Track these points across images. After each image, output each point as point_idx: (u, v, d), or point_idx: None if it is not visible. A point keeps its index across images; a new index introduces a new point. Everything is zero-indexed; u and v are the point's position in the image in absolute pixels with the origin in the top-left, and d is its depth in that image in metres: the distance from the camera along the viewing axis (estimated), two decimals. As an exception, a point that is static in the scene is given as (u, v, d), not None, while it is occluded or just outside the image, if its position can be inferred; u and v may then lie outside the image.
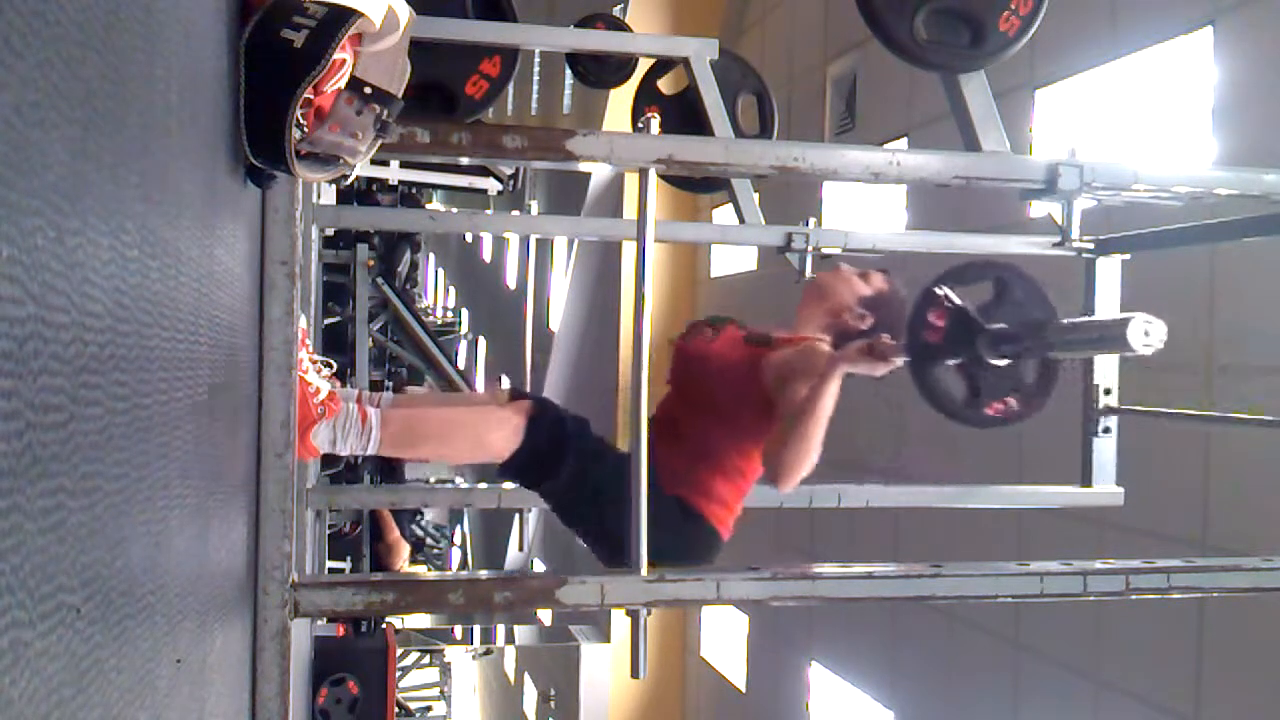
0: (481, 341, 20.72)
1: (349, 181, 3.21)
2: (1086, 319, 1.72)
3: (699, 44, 3.10)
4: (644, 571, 1.65)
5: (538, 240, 14.91)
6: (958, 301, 1.78)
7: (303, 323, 1.92)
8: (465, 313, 22.49)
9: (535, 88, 13.64)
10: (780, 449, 1.95)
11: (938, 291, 1.79)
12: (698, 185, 3.86)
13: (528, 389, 14.16)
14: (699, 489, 2.11)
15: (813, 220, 3.20)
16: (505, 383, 17.10)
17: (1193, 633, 4.26)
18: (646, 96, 3.41)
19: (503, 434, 2.02)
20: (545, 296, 15.39)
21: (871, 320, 2.22)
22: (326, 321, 7.91)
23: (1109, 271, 2.76)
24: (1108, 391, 2.77)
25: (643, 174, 1.67)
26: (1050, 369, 1.86)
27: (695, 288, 11.23)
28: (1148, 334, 1.53)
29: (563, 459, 2.04)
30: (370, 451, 2.03)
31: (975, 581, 1.75)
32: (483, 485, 3.02)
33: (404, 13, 1.38)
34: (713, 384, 2.18)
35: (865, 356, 1.93)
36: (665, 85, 3.44)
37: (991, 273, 1.85)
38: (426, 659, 12.76)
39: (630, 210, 10.06)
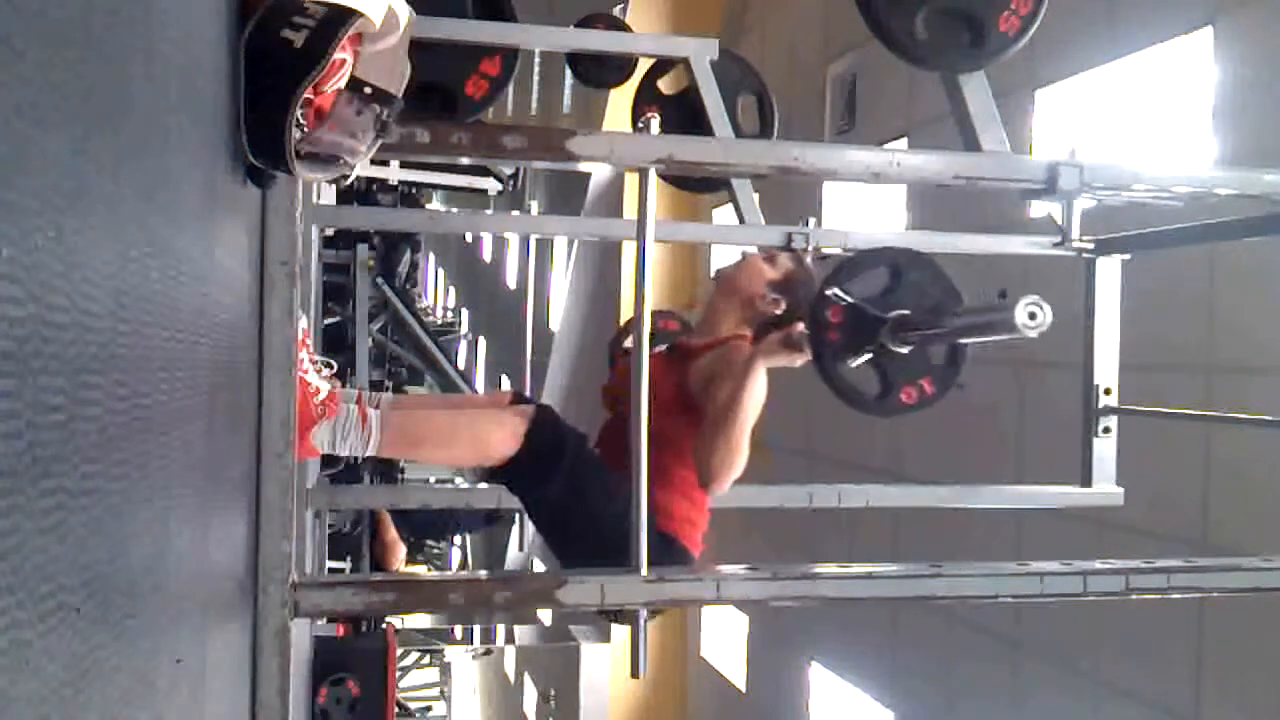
0: (481, 341, 20.71)
1: (349, 181, 3.21)
2: (979, 304, 1.71)
3: (699, 44, 3.10)
4: (644, 571, 1.65)
5: (538, 240, 14.91)
6: (848, 299, 1.77)
7: (303, 323, 1.92)
8: (465, 313, 22.49)
9: (535, 88, 13.63)
10: (707, 452, 1.94)
11: (827, 293, 1.79)
12: (698, 185, 3.86)
13: (528, 389, 14.17)
14: (663, 513, 2.07)
15: (813, 220, 3.20)
16: (505, 384, 17.10)
17: (1193, 633, 4.26)
18: (646, 96, 3.41)
19: (502, 437, 2.02)
20: (545, 296, 15.39)
21: (785, 303, 2.21)
22: (326, 321, 7.91)
23: (1109, 271, 2.76)
24: (1108, 391, 2.77)
25: (643, 174, 1.67)
26: (959, 347, 1.85)
27: (695, 288, 11.23)
28: (1034, 316, 1.53)
29: (557, 470, 2.02)
30: (370, 452, 2.03)
31: (975, 581, 1.75)
32: (483, 485, 3.02)
33: (404, 13, 1.38)
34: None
35: (782, 349, 1.92)
36: (665, 85, 3.44)
37: (884, 260, 1.84)
38: (426, 659, 12.75)
39: (630, 210, 10.06)
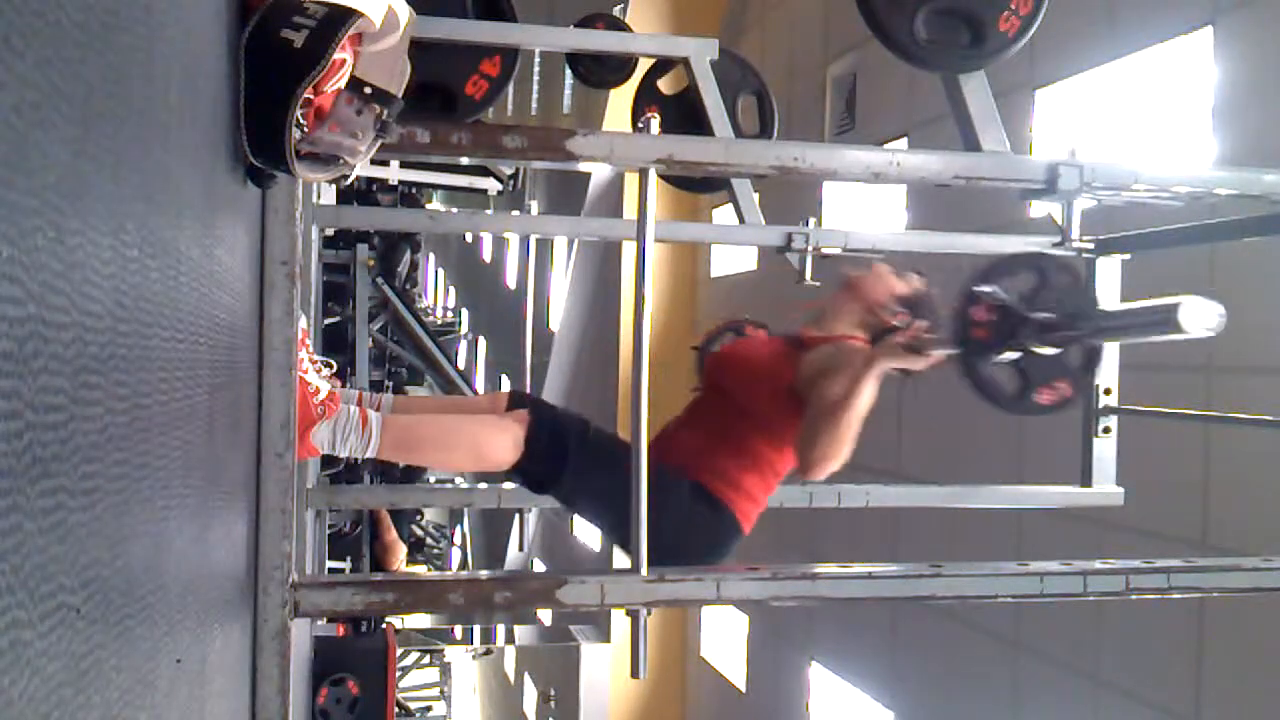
0: (481, 341, 20.72)
1: (349, 181, 3.21)
2: (1137, 304, 1.72)
3: (699, 44, 3.10)
4: (644, 571, 1.65)
5: (538, 240, 14.92)
6: (1002, 297, 1.79)
7: (303, 323, 1.92)
8: (465, 313, 22.50)
9: (535, 88, 13.63)
10: (813, 441, 1.96)
11: (980, 289, 1.80)
12: (698, 185, 3.85)
13: (528, 388, 14.16)
14: (726, 479, 2.13)
15: (813, 220, 3.20)
16: (505, 384, 17.10)
17: (1193, 633, 4.26)
18: (646, 96, 3.41)
19: (501, 446, 2.03)
20: (545, 296, 15.39)
21: (906, 317, 2.24)
22: (326, 321, 7.91)
23: (1109, 271, 2.76)
24: (1108, 391, 2.77)
25: (643, 174, 1.67)
26: (1095, 351, 1.87)
27: (695, 288, 11.23)
28: (1203, 317, 1.51)
29: (563, 470, 2.05)
30: (369, 454, 2.04)
31: (975, 581, 1.75)
32: (483, 485, 3.02)
33: (404, 13, 1.38)
34: (748, 383, 2.21)
35: (904, 350, 1.94)
36: (665, 85, 3.44)
37: (1027, 264, 1.85)
38: (426, 659, 12.76)
39: (630, 210, 10.06)
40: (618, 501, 2.00)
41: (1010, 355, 1.81)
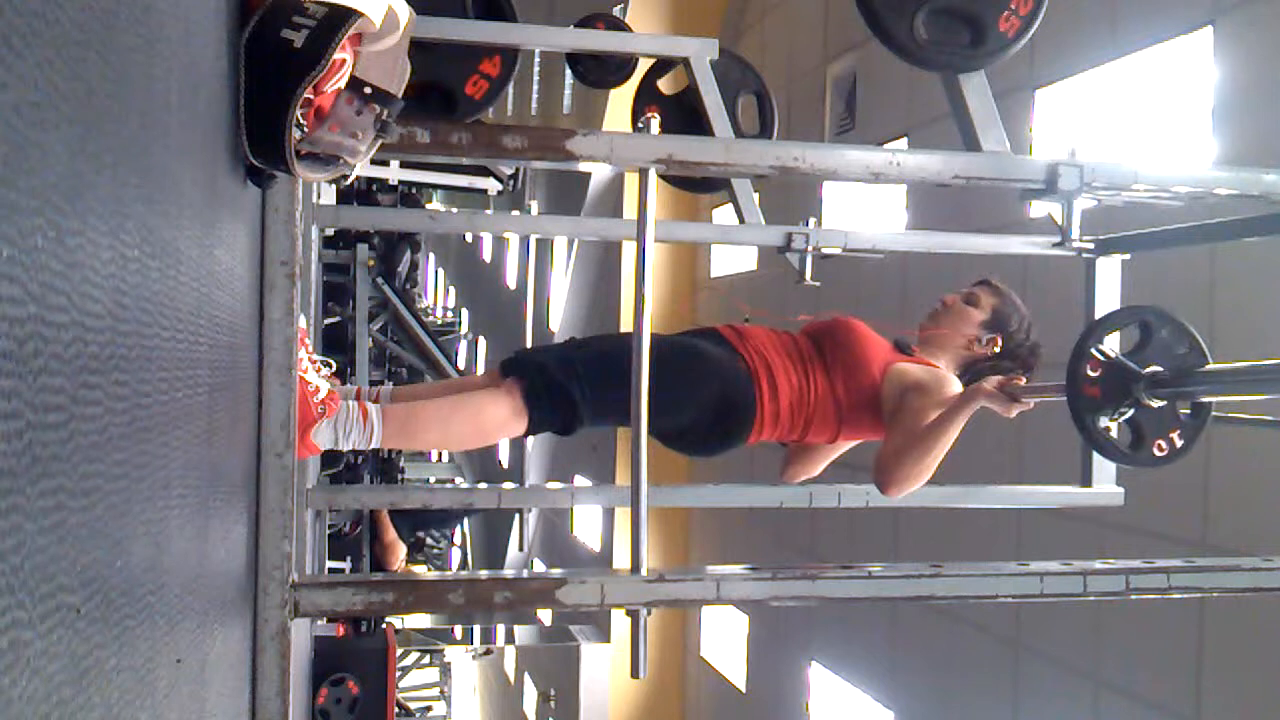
0: (481, 341, 20.72)
1: (349, 181, 3.21)
2: (1249, 364, 1.77)
3: (699, 44, 3.09)
4: (644, 571, 1.65)
5: (538, 240, 14.91)
6: (1112, 354, 1.81)
7: (302, 322, 1.92)
8: (465, 313, 22.50)
9: (535, 88, 13.63)
10: (898, 461, 2.02)
11: (1090, 349, 1.83)
12: (698, 185, 3.85)
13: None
14: (770, 383, 2.19)
15: (813, 220, 3.20)
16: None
17: (1193, 633, 4.26)
18: (646, 96, 3.40)
19: (502, 415, 2.05)
20: (545, 296, 15.39)
21: (999, 340, 2.26)
22: (326, 321, 7.92)
23: (1109, 271, 2.76)
24: (1108, 391, 2.77)
25: (643, 174, 1.67)
26: (1204, 403, 1.90)
27: (695, 288, 11.23)
28: None
29: (575, 415, 2.10)
30: (374, 445, 2.04)
31: (975, 581, 1.75)
32: (483, 485, 3.02)
33: (404, 13, 1.38)
34: (845, 360, 2.24)
35: (1000, 395, 1.97)
36: (665, 85, 3.43)
37: (1136, 317, 1.88)
38: (426, 659, 12.77)
39: (630, 210, 10.06)
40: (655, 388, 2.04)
41: (1124, 413, 1.83)
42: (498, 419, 2.05)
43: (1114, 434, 1.87)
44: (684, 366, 2.18)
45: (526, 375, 2.11)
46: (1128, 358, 1.83)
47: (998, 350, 2.27)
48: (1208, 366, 1.82)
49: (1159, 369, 1.81)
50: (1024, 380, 2.05)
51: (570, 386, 2.07)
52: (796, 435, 2.27)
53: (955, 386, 2.16)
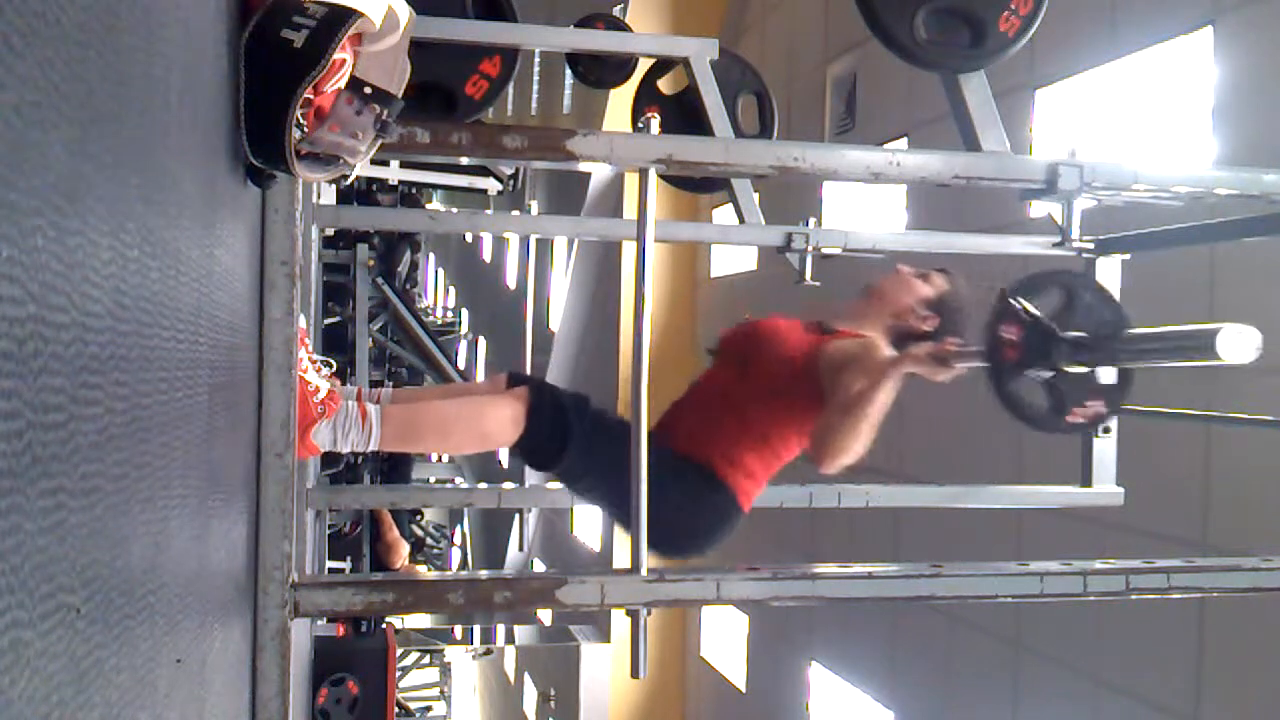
0: (481, 341, 20.71)
1: (349, 181, 3.21)
2: (1170, 328, 1.73)
3: (699, 44, 3.09)
4: (644, 571, 1.65)
5: (538, 240, 14.91)
6: (1034, 313, 1.79)
7: (302, 322, 1.92)
8: (465, 313, 22.49)
9: (535, 88, 13.63)
10: (832, 432, 1.97)
11: (1013, 303, 1.80)
12: (698, 185, 3.86)
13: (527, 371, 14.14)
14: (730, 458, 2.13)
15: (813, 220, 3.20)
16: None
17: (1193, 633, 4.26)
18: (646, 96, 3.41)
19: (503, 424, 2.03)
20: (545, 296, 15.39)
21: (935, 321, 2.24)
22: (326, 321, 7.92)
23: (1109, 271, 2.76)
24: (1108, 391, 2.77)
25: (643, 174, 1.67)
26: (1128, 368, 1.87)
27: (695, 288, 11.23)
28: (1242, 345, 1.50)
29: (566, 446, 2.05)
30: (372, 448, 2.04)
31: (975, 581, 1.75)
32: (483, 485, 3.02)
33: (404, 13, 1.38)
34: (767, 361, 2.20)
35: (929, 360, 1.94)
36: (665, 85, 3.44)
37: (1059, 281, 1.86)
38: (426, 659, 12.77)
39: (630, 210, 10.06)
40: (621, 478, 2.01)
41: (1041, 374, 1.81)
42: (498, 424, 2.03)
43: (1035, 399, 1.83)
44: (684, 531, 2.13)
45: (535, 388, 2.10)
46: (1051, 321, 1.79)
47: (929, 329, 2.25)
48: (1130, 331, 1.78)
49: (1081, 334, 1.78)
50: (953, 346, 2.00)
51: (571, 418, 2.06)
52: (779, 455, 2.25)
53: (886, 352, 2.12)
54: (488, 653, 14.20)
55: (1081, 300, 1.81)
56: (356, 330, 7.92)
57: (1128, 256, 2.76)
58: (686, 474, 2.10)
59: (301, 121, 1.26)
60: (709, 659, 10.43)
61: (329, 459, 6.32)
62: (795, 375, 2.14)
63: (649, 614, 1.67)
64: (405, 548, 8.29)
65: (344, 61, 1.27)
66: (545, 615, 11.91)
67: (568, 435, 2.04)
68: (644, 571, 1.65)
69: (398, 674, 8.60)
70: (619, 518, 2.15)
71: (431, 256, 24.80)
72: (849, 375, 2.02)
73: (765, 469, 2.19)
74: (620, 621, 9.69)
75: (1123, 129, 5.17)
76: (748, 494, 2.17)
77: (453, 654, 13.14)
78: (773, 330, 2.29)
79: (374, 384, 8.29)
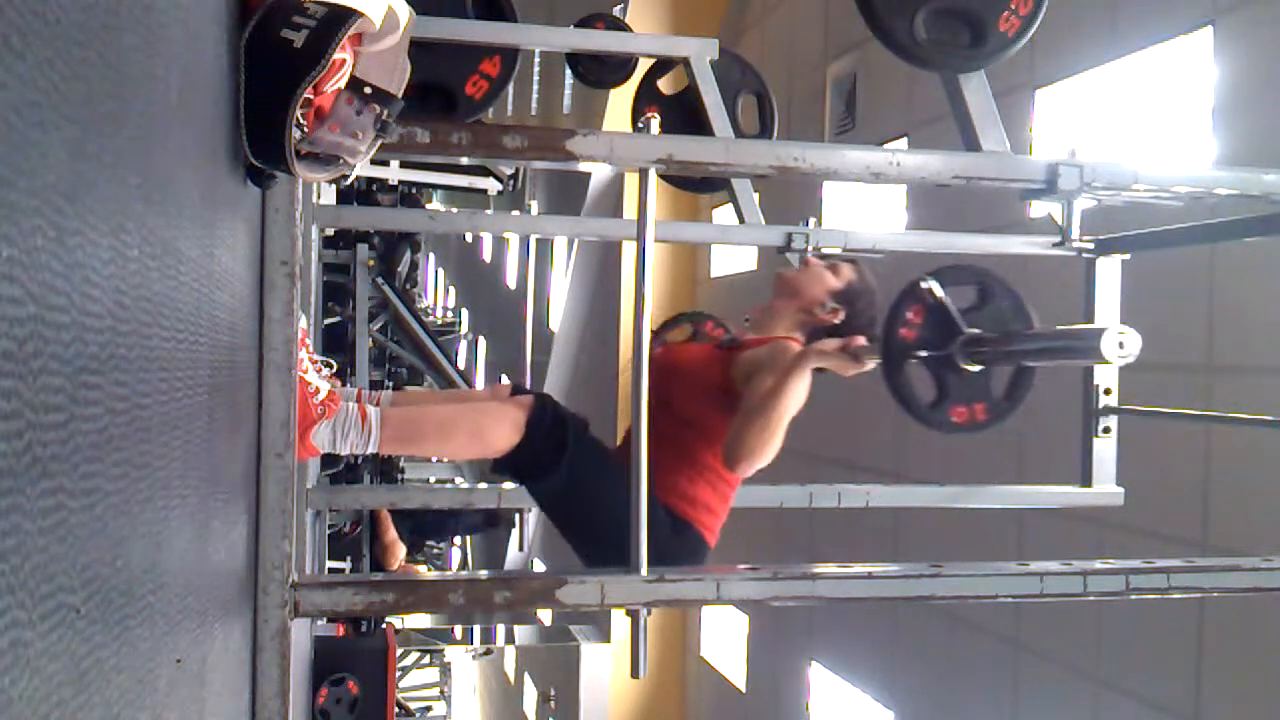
0: (481, 341, 20.71)
1: (349, 181, 3.21)
2: (1060, 328, 1.73)
3: (699, 44, 3.09)
4: (644, 571, 1.65)
5: (538, 240, 14.91)
6: (941, 297, 1.78)
7: (303, 323, 1.92)
8: (465, 313, 22.49)
9: (535, 88, 13.64)
10: (739, 435, 1.96)
11: (924, 285, 1.79)
12: (698, 185, 3.85)
13: (528, 386, 14.14)
14: (684, 496, 2.11)
15: (813, 220, 3.20)
16: (505, 380, 17.08)
17: (1193, 633, 4.26)
18: (646, 96, 3.41)
19: (503, 429, 2.02)
20: (545, 296, 15.39)
21: (844, 314, 2.23)
22: (326, 321, 7.92)
23: (1109, 271, 2.76)
24: (1108, 391, 2.77)
25: (643, 174, 1.67)
26: (1022, 382, 1.86)
27: (695, 288, 11.22)
28: (1122, 345, 1.52)
29: (560, 460, 2.03)
30: (371, 450, 2.03)
31: (975, 581, 1.75)
32: (483, 485, 3.02)
33: (404, 13, 1.38)
34: (686, 389, 2.19)
35: (836, 353, 1.93)
36: (665, 85, 3.43)
37: (976, 277, 1.85)
38: (426, 659, 12.76)
39: (630, 210, 10.06)
40: (596, 513, 2.00)
41: (926, 357, 1.79)
42: (498, 429, 2.02)
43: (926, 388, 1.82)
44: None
45: (542, 402, 2.10)
46: (958, 314, 1.79)
47: (837, 322, 2.24)
48: (1026, 331, 1.78)
49: (980, 331, 1.77)
50: (860, 341, 1.98)
51: (569, 433, 2.05)
52: (728, 481, 2.18)
53: (792, 351, 2.11)
54: (488, 653, 14.19)
55: (994, 301, 1.80)
56: (356, 330, 7.91)
57: (1128, 256, 2.76)
58: (653, 515, 2.08)
59: (301, 121, 1.26)
60: (709, 659, 10.43)
61: (329, 459, 6.32)
62: (716, 399, 2.13)
63: (649, 614, 1.67)
64: (402, 550, 8.29)
65: (344, 61, 1.27)
66: (545, 615, 11.91)
67: (562, 451, 2.03)
68: (644, 571, 1.65)
69: (398, 674, 8.60)
70: (581, 551, 2.14)
71: (431, 256, 24.80)
72: (757, 380, 2.02)
73: (720, 499, 2.18)
74: (620, 621, 9.70)
75: (1123, 129, 5.17)
76: (711, 529, 2.17)
77: (453, 654, 13.14)
78: (684, 360, 2.30)
79: (374, 384, 8.29)
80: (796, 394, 1.94)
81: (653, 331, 3.13)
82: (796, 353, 2.00)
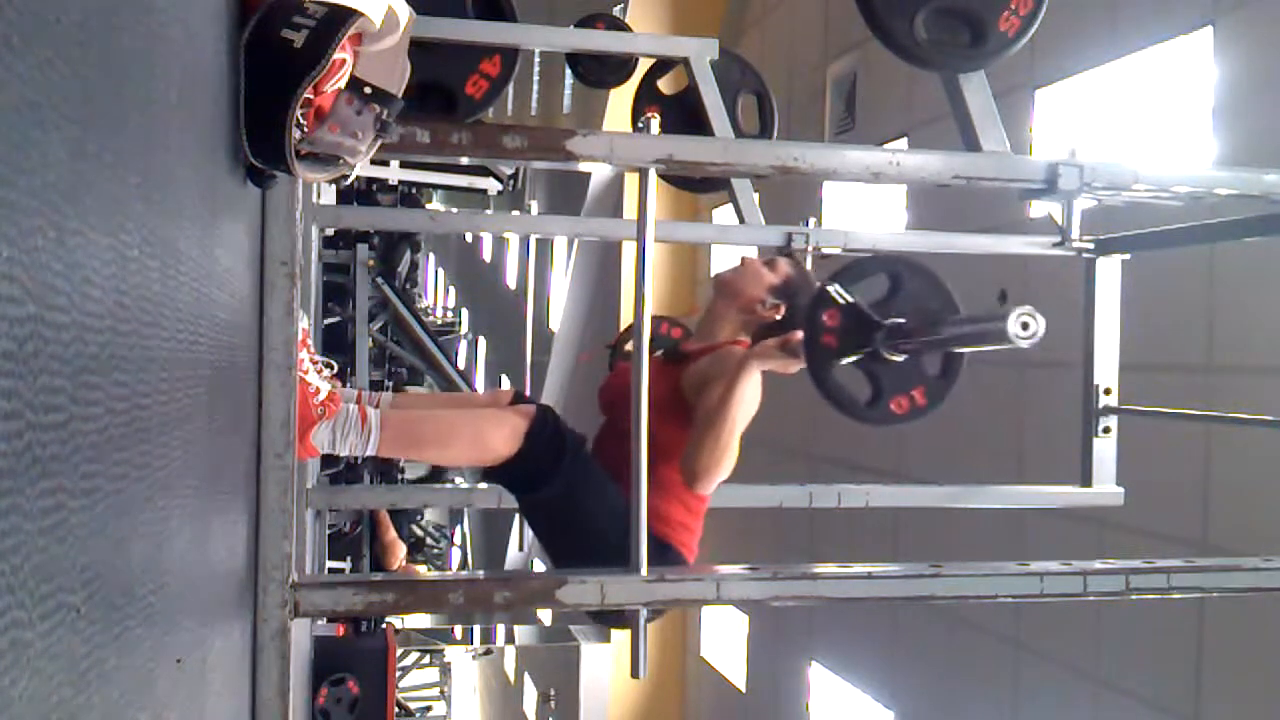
0: (481, 341, 20.71)
1: (349, 181, 3.21)
2: (972, 313, 1.73)
3: (699, 44, 3.09)
4: (644, 571, 1.65)
5: (538, 240, 14.91)
6: (849, 299, 1.77)
7: (304, 323, 1.92)
8: (465, 313, 22.49)
9: (535, 88, 13.64)
10: (695, 452, 1.95)
11: (829, 290, 1.79)
12: (698, 185, 3.85)
13: (527, 389, 14.13)
14: (657, 517, 2.07)
15: (813, 220, 3.20)
16: (505, 383, 17.10)
17: (1193, 633, 4.26)
18: (646, 96, 3.40)
19: (502, 437, 2.01)
20: (545, 296, 15.39)
21: (784, 309, 2.22)
22: (326, 321, 7.92)
23: (1109, 271, 2.76)
24: (1108, 391, 2.77)
25: (643, 174, 1.67)
26: (954, 359, 1.85)
27: (695, 288, 11.23)
28: (1026, 326, 1.53)
29: (555, 473, 2.02)
30: (369, 452, 2.03)
31: (975, 581, 1.75)
32: (483, 485, 3.02)
33: (404, 13, 1.38)
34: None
35: (777, 354, 1.92)
36: (665, 85, 3.43)
37: (885, 267, 1.84)
38: (426, 659, 12.76)
39: (630, 210, 10.06)
40: (582, 532, 1.99)
41: (851, 359, 1.79)
42: (498, 438, 2.01)
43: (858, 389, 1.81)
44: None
45: (542, 411, 2.09)
46: (872, 307, 1.78)
47: (779, 318, 2.23)
48: (948, 317, 1.77)
49: (900, 320, 1.77)
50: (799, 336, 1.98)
51: (566, 448, 2.04)
52: (698, 497, 2.16)
53: (735, 356, 2.08)
54: (488, 653, 14.19)
55: (907, 288, 1.80)
56: (356, 330, 7.92)
57: (1128, 256, 2.76)
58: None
59: (301, 121, 1.26)
60: (709, 659, 10.43)
61: (329, 459, 6.32)
62: (668, 415, 2.10)
63: (649, 614, 1.67)
64: (402, 549, 8.29)
65: (344, 61, 1.27)
66: (545, 615, 11.91)
67: (558, 466, 2.01)
68: (644, 571, 1.65)
69: (398, 674, 8.60)
70: (559, 558, 2.13)
71: (431, 256, 24.80)
72: (707, 392, 2.01)
73: (693, 515, 2.17)
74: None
75: (1123, 129, 5.17)
76: (690, 546, 2.16)
77: (453, 654, 13.14)
78: (625, 384, 2.28)
79: (374, 384, 8.29)
80: (745, 402, 1.93)
81: (609, 345, 3.11)
82: (738, 360, 1.99)
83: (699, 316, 2.39)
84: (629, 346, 3.46)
